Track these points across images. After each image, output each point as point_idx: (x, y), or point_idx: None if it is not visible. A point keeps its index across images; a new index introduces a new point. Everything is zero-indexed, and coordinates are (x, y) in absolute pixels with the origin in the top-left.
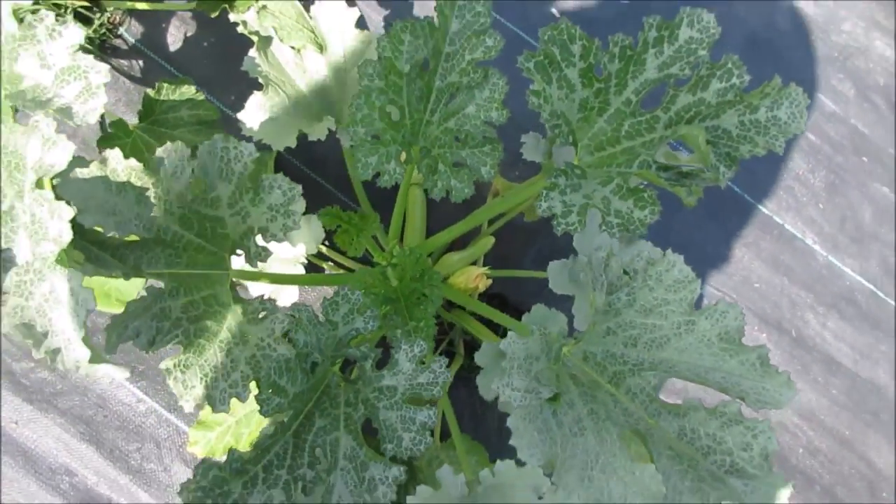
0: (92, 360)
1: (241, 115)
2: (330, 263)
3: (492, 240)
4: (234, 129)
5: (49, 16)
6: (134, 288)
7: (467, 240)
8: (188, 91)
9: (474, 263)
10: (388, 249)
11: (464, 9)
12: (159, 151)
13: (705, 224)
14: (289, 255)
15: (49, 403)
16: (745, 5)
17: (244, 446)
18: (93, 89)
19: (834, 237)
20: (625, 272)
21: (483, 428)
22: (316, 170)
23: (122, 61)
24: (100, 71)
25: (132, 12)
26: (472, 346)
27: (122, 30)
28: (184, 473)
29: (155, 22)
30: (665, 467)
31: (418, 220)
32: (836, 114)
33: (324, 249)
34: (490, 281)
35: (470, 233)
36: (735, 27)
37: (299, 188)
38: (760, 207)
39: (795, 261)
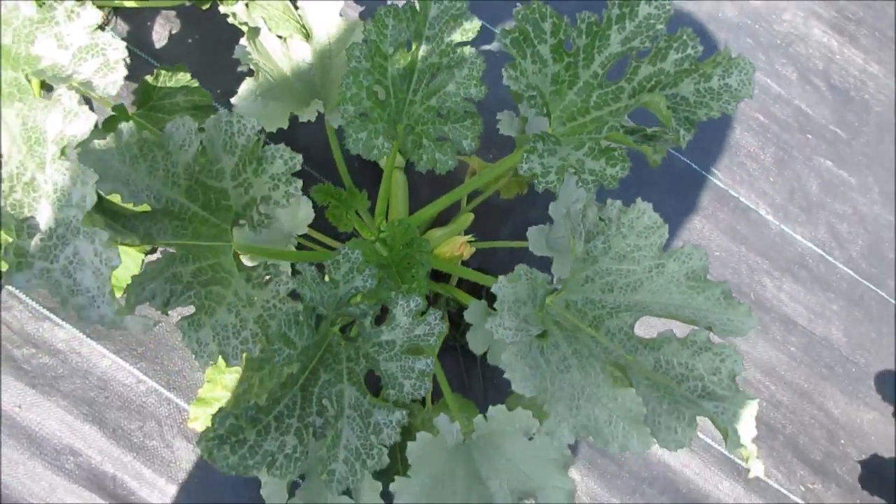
0: (119, 313)
1: (234, 100)
2: (317, 246)
3: (471, 216)
4: None
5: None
6: (128, 273)
7: (447, 220)
8: (184, 78)
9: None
10: (375, 225)
11: None
12: (168, 126)
13: (667, 200)
14: (278, 236)
15: (51, 387)
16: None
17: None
18: (111, 64)
19: (785, 207)
20: (600, 219)
21: (470, 396)
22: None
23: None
24: (117, 47)
25: (118, 11)
26: (457, 318)
27: (108, 29)
28: (185, 449)
29: (140, 21)
30: (644, 394)
31: (401, 201)
32: (781, 96)
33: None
34: (474, 249)
35: (450, 213)
36: (684, 20)
37: (299, 157)
38: (717, 182)
39: (751, 230)
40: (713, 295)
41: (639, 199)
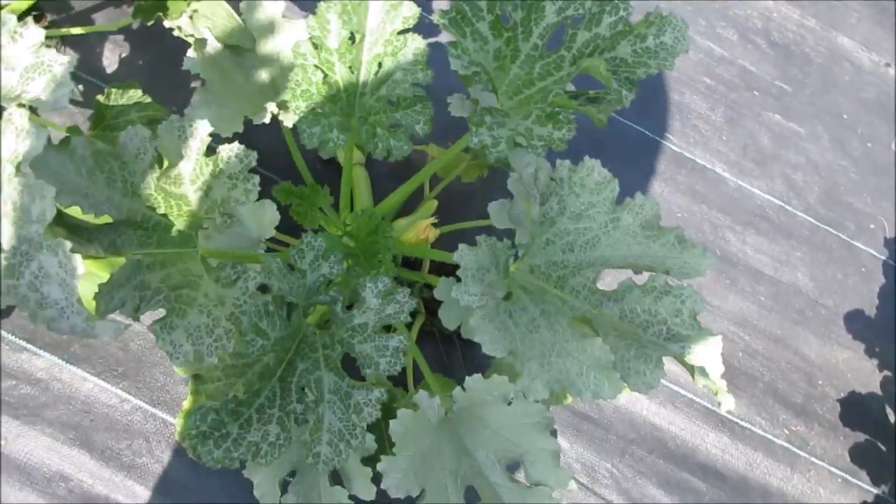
0: (89, 319)
1: (187, 111)
2: (286, 249)
3: (435, 202)
4: None
5: (11, 19)
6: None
7: (413, 210)
8: (135, 94)
9: None
10: (341, 220)
11: None
12: (122, 135)
13: (625, 170)
14: (247, 243)
15: (35, 416)
16: None
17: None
18: (58, 79)
19: (739, 164)
20: (552, 180)
21: (452, 378)
22: (262, 165)
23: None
24: (63, 62)
25: (65, 40)
26: (432, 304)
27: None
28: (176, 462)
29: (88, 48)
30: (612, 344)
31: (365, 195)
32: (724, 57)
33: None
34: (438, 232)
35: (415, 204)
36: None
37: (254, 154)
38: (672, 147)
39: (709, 189)
40: (668, 241)
41: (587, 157)
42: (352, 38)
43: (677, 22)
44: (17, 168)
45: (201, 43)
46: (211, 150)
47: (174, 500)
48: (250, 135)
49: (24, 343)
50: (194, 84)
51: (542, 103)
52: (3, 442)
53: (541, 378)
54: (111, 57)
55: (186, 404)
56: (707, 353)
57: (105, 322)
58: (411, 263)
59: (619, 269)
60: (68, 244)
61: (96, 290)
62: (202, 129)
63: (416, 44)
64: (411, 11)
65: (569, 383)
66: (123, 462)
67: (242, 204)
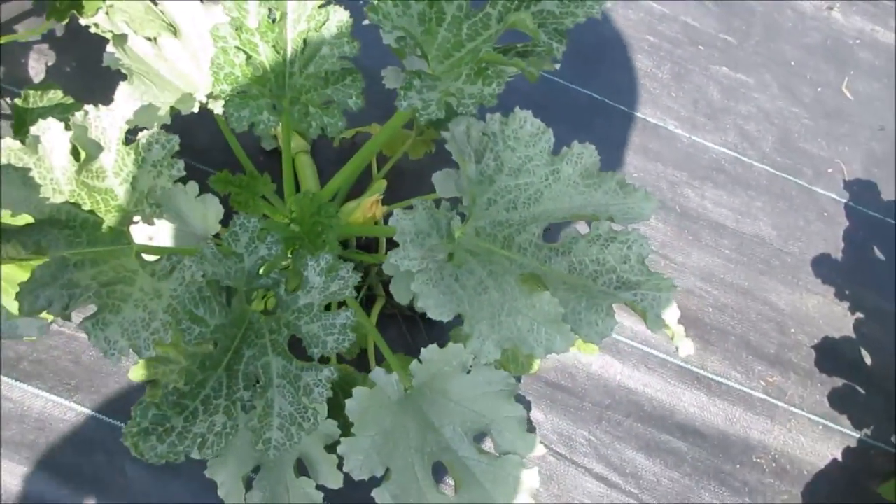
0: (9, 317)
1: (111, 108)
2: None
3: (384, 182)
4: None
5: None
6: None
7: (362, 193)
8: (56, 96)
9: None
10: (287, 207)
11: None
12: (33, 129)
13: (575, 135)
14: (192, 241)
15: None
16: None
17: None
18: None
19: (691, 119)
20: (483, 134)
21: None
22: (201, 160)
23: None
24: None
25: None
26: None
27: None
28: (138, 471)
29: (13, 60)
30: (563, 298)
31: (311, 183)
32: (666, 14)
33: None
34: (385, 208)
35: (364, 186)
36: None
37: (176, 138)
38: (621, 107)
39: (663, 146)
40: (610, 187)
41: (517, 108)
42: (274, 17)
43: None
44: None
45: (121, 38)
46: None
47: None
48: (188, 130)
49: None
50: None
51: (472, 61)
52: None
53: (491, 338)
54: (37, 66)
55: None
56: (661, 299)
57: (28, 320)
58: (368, 247)
59: (566, 223)
60: None
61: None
62: (119, 117)
63: (339, 16)
64: None
65: (520, 341)
66: (85, 477)
67: (167, 190)
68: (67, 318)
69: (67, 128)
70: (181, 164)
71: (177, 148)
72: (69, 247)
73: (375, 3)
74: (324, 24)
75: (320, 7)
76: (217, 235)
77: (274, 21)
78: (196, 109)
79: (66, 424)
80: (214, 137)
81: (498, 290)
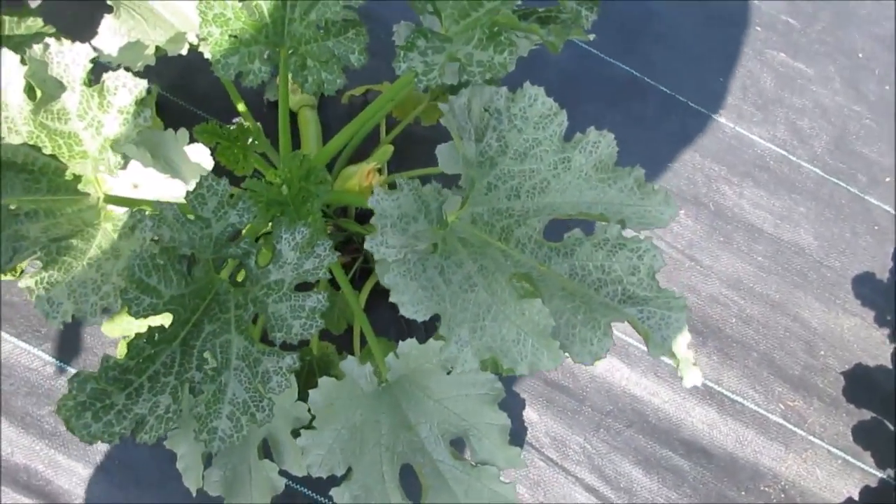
0: None
1: (95, 42)
2: None
3: (391, 148)
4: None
5: None
6: None
7: (367, 157)
8: (35, 24)
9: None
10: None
11: None
12: None
13: (608, 114)
14: (182, 193)
15: None
16: None
17: None
18: None
19: (738, 107)
20: (485, 110)
21: None
22: (201, 105)
23: None
24: None
25: None
26: None
27: None
28: None
29: None
30: (558, 306)
31: (313, 141)
32: None
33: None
34: (383, 178)
35: (370, 150)
36: None
37: (144, 83)
38: (662, 88)
39: (703, 135)
40: (626, 185)
41: (527, 84)
42: None
43: None
44: None
45: None
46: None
47: (97, 468)
48: (188, 73)
49: None
50: None
51: (486, 26)
52: None
53: (472, 345)
54: None
55: None
56: (670, 320)
57: None
58: (364, 216)
59: (572, 221)
60: None
61: None
62: (83, 54)
63: None
64: None
65: (503, 352)
66: (45, 430)
67: (134, 141)
68: (5, 274)
69: (23, 62)
70: (148, 112)
71: (145, 94)
72: (26, 192)
73: None
74: None
75: None
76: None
77: None
78: (185, 52)
79: (32, 373)
80: (217, 83)
81: (487, 289)
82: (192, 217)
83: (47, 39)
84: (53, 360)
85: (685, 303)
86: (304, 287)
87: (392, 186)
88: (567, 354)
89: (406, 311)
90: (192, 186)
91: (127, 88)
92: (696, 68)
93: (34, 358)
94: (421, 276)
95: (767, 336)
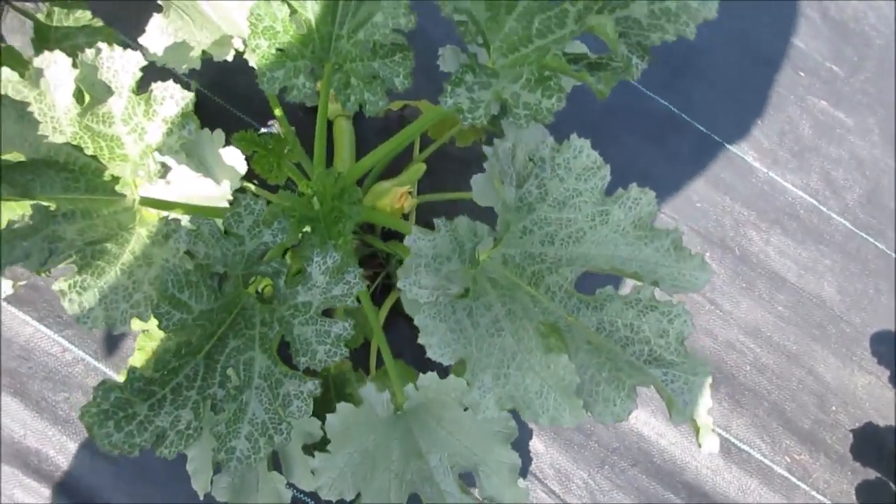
0: None
1: (142, 40)
2: None
3: (423, 166)
4: None
5: None
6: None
7: (398, 173)
8: (83, 17)
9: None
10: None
11: None
12: (37, 62)
13: (644, 148)
14: (213, 192)
15: None
16: None
17: None
18: None
19: (774, 153)
20: (530, 159)
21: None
22: (239, 106)
23: (27, 3)
24: None
25: None
26: None
27: None
28: None
29: None
30: (583, 361)
31: (347, 152)
32: (769, 29)
33: (252, 188)
34: (415, 201)
35: (402, 166)
36: None
37: (191, 96)
38: (699, 126)
39: (736, 178)
40: (662, 245)
41: (574, 135)
42: None
43: None
44: None
45: None
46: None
47: (107, 459)
48: (229, 73)
49: None
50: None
51: (537, 64)
52: None
53: (494, 392)
54: None
55: (132, 360)
56: (694, 386)
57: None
58: (390, 232)
59: (604, 274)
60: None
61: None
62: (133, 62)
63: None
64: None
65: (525, 403)
66: (59, 415)
67: (177, 152)
68: (40, 275)
69: (75, 65)
70: (193, 126)
71: (191, 107)
72: (65, 191)
73: None
74: None
75: None
76: (241, 190)
77: None
78: (230, 58)
79: (51, 358)
80: (255, 84)
81: (514, 335)
82: (226, 234)
83: (100, 44)
84: (72, 347)
85: (710, 369)
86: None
87: (428, 226)
88: (588, 413)
89: (433, 354)
90: (223, 187)
91: (174, 100)
92: (735, 109)
93: (53, 343)
94: (450, 318)
95: (780, 387)
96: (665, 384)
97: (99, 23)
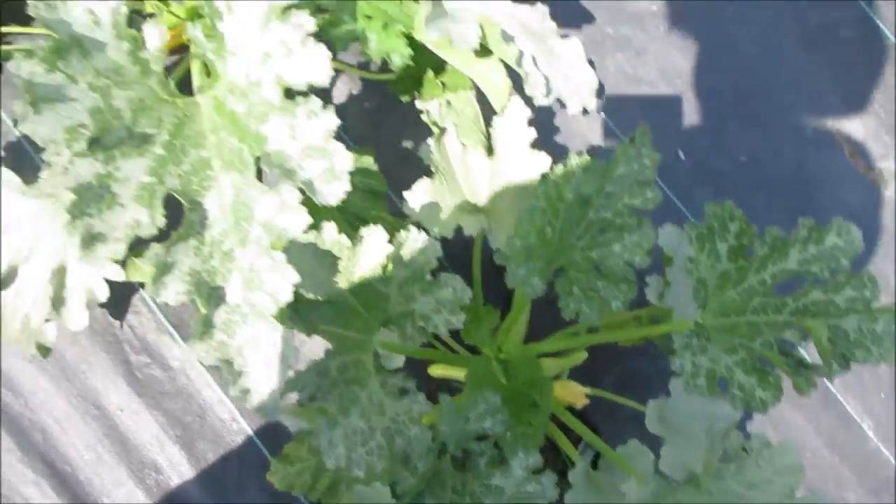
0: (264, 412)
1: (406, 195)
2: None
3: (584, 354)
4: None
5: (315, 101)
6: None
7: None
8: (366, 161)
9: (560, 374)
10: (496, 344)
11: (633, 158)
12: (364, 232)
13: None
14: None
15: (155, 401)
16: None
17: (321, 487)
18: (336, 173)
19: (889, 428)
20: (743, 449)
21: None
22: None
23: None
24: (344, 158)
25: None
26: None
27: None
28: (255, 496)
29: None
30: None
31: (522, 324)
32: None
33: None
34: (587, 401)
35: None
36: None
37: (469, 291)
38: (827, 384)
39: (849, 443)
40: None
41: (786, 440)
42: (586, 195)
43: None
44: (274, 242)
45: (442, 134)
46: None
47: None
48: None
49: (170, 327)
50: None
51: (748, 340)
52: (119, 412)
53: None
54: (342, 89)
55: (288, 448)
56: None
57: (289, 417)
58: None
59: None
60: (292, 335)
61: None
62: (432, 251)
63: (647, 229)
64: (654, 194)
65: None
66: (213, 475)
67: (437, 313)
68: (302, 405)
69: (390, 242)
70: (462, 317)
71: (466, 301)
72: (330, 323)
73: (695, 254)
74: (629, 227)
75: (632, 209)
76: None
77: (585, 199)
78: (475, 233)
79: (221, 424)
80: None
81: None
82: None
83: (413, 231)
84: (241, 419)
85: None
86: None
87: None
88: None
89: None
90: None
91: (453, 289)
92: (864, 377)
93: (226, 410)
94: None
95: None
96: None
97: (375, 168)
